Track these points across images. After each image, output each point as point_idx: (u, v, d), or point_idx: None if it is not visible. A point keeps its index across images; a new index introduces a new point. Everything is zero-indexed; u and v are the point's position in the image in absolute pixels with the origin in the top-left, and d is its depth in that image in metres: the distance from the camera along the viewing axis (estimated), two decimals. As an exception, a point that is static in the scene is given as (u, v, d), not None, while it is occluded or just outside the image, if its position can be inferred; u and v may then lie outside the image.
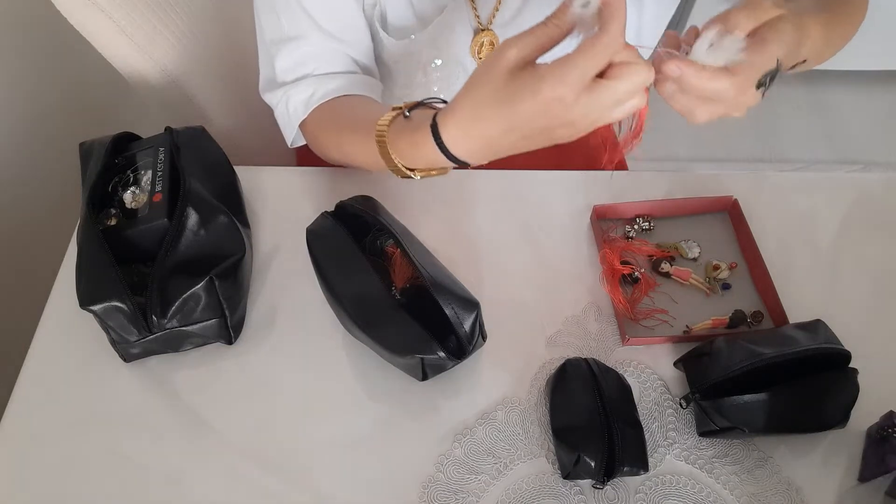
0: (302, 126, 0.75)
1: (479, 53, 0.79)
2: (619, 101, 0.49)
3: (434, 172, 0.61)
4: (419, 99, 0.84)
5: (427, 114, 0.56)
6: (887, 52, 1.89)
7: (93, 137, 0.75)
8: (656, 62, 0.51)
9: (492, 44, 0.78)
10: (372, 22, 0.77)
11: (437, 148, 0.55)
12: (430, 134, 0.54)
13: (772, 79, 0.52)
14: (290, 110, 0.74)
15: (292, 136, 0.77)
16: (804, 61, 0.57)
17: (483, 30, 0.77)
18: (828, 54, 0.67)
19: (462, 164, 0.57)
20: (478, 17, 0.76)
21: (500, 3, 0.75)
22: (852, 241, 0.77)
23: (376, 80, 0.80)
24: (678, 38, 0.53)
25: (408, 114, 0.59)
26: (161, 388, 0.66)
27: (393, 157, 0.59)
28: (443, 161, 0.56)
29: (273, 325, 0.70)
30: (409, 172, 0.60)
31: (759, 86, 0.51)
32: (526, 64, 0.50)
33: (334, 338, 0.69)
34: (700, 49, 0.50)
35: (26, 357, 0.68)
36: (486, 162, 0.57)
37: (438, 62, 0.80)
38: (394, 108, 0.60)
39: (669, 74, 0.49)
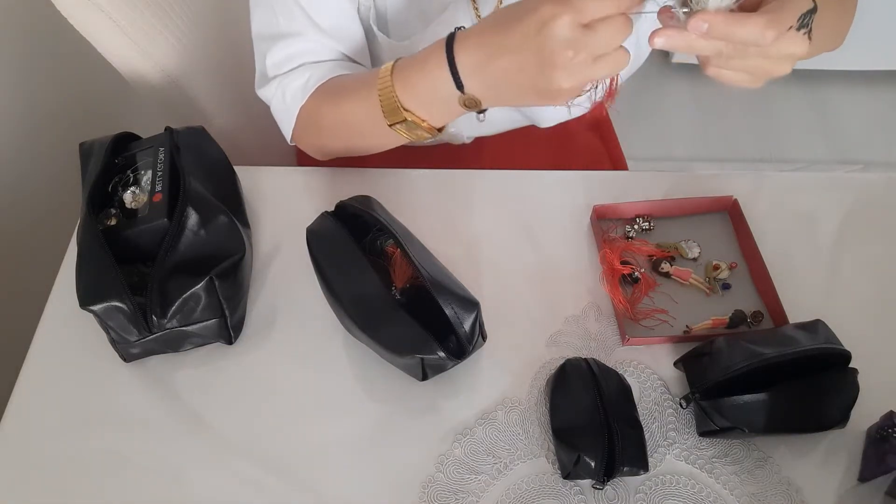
0: (300, 112, 0.75)
1: None
2: (607, 47, 0.51)
3: (424, 125, 0.63)
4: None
5: (434, 45, 0.59)
6: (887, 52, 1.89)
7: (93, 137, 0.75)
8: (663, 18, 0.51)
9: None
10: (368, 25, 0.77)
11: (446, 64, 0.57)
12: (444, 46, 0.58)
13: (811, 16, 0.50)
14: (288, 98, 0.74)
15: (291, 128, 0.77)
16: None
17: None
18: (827, 44, 0.67)
19: (465, 96, 0.59)
20: (479, 16, 0.76)
21: (500, 3, 0.75)
22: (852, 241, 0.77)
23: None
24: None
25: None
26: (161, 388, 0.66)
27: (399, 97, 0.62)
28: (448, 86, 0.58)
29: (273, 325, 0.70)
30: (404, 114, 0.62)
31: (800, 27, 0.50)
32: None
33: (334, 338, 0.69)
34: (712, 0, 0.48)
35: (26, 357, 0.68)
36: (485, 99, 0.59)
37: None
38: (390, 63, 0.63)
39: (696, 30, 0.48)
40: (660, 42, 0.50)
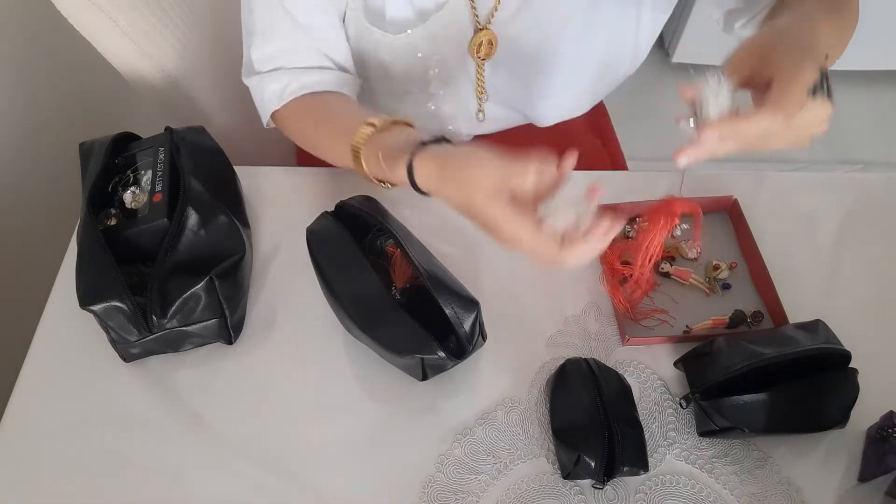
0: (274, 115, 0.76)
1: (477, 52, 0.79)
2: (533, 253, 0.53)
3: (392, 186, 0.65)
4: (417, 94, 0.84)
5: (407, 143, 0.60)
6: (887, 52, 1.89)
7: (93, 137, 0.75)
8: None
9: (490, 42, 0.78)
10: (362, 25, 0.77)
11: (406, 174, 0.59)
12: (405, 166, 0.59)
13: (827, 82, 0.52)
14: (265, 99, 0.75)
15: (265, 121, 0.78)
16: (827, 56, 0.57)
17: (482, 29, 0.77)
18: (835, 57, 0.67)
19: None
20: (477, 15, 0.76)
21: (499, 3, 0.75)
22: (852, 241, 0.77)
23: (352, 76, 0.80)
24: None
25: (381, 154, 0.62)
26: (161, 388, 0.66)
27: (365, 167, 0.63)
28: (408, 185, 0.60)
29: (273, 325, 0.70)
30: (378, 184, 0.64)
31: (815, 93, 0.51)
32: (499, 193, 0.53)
33: (334, 338, 0.69)
34: (711, 108, 0.51)
35: (26, 357, 0.68)
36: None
37: (438, 59, 0.80)
38: (368, 123, 0.63)
39: (710, 142, 0.50)
40: (684, 162, 0.51)
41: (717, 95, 0.50)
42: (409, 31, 0.77)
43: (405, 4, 0.76)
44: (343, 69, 0.79)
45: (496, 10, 0.76)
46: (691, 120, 0.52)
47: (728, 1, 0.76)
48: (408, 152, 0.58)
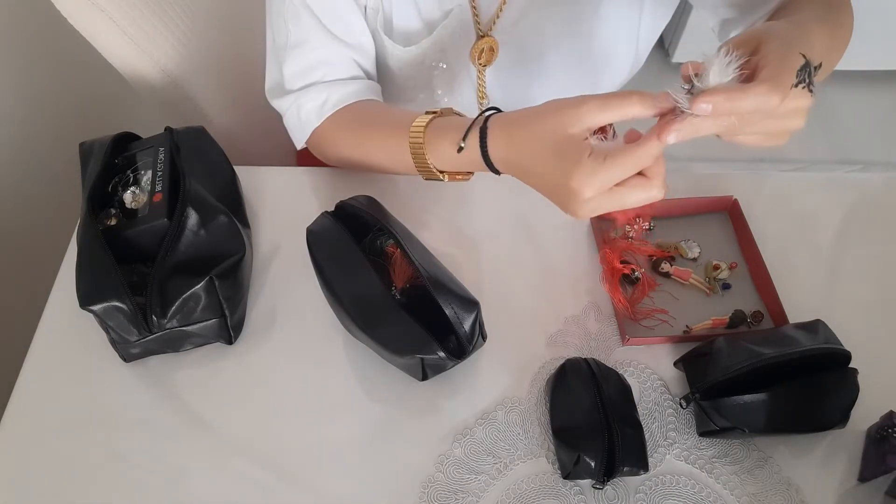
0: (314, 132, 0.75)
1: (479, 59, 0.79)
2: (623, 206, 0.53)
3: (459, 177, 0.66)
4: (422, 100, 0.84)
5: (474, 118, 0.61)
6: (887, 52, 1.90)
7: (93, 137, 0.75)
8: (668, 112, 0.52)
9: (492, 49, 0.78)
10: (375, 29, 0.77)
11: (478, 145, 0.59)
12: (479, 131, 0.59)
13: (809, 75, 0.52)
14: (303, 117, 0.74)
15: (303, 142, 0.78)
16: (820, 65, 0.57)
17: (483, 35, 0.77)
18: (827, 68, 0.68)
19: (492, 168, 0.61)
20: (479, 23, 0.76)
21: (500, 10, 0.75)
22: (852, 241, 0.77)
23: (377, 84, 0.80)
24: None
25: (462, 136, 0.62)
26: (161, 388, 0.66)
27: (427, 156, 0.64)
28: (476, 161, 0.60)
29: (273, 325, 0.70)
30: (439, 174, 0.65)
31: (799, 83, 0.51)
32: (586, 130, 0.53)
33: (334, 338, 0.69)
34: (712, 76, 0.49)
35: (26, 357, 0.68)
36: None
37: (444, 66, 0.80)
38: (428, 112, 0.65)
39: (702, 112, 0.49)
40: (672, 139, 0.50)
41: (725, 67, 0.49)
42: (419, 42, 0.77)
43: (413, 16, 0.76)
44: (371, 77, 0.79)
45: (498, 17, 0.76)
46: (685, 89, 0.50)
47: (723, 10, 0.76)
48: (479, 122, 0.60)
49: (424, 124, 0.64)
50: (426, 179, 0.68)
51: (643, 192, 0.53)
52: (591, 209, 0.54)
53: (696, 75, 0.49)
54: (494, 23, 0.76)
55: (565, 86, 0.85)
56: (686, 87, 0.50)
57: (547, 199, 0.58)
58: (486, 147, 0.59)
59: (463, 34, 0.77)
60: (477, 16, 0.75)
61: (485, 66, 0.80)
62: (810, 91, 0.52)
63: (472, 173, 0.67)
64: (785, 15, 0.66)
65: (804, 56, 0.51)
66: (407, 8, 0.75)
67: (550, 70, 0.83)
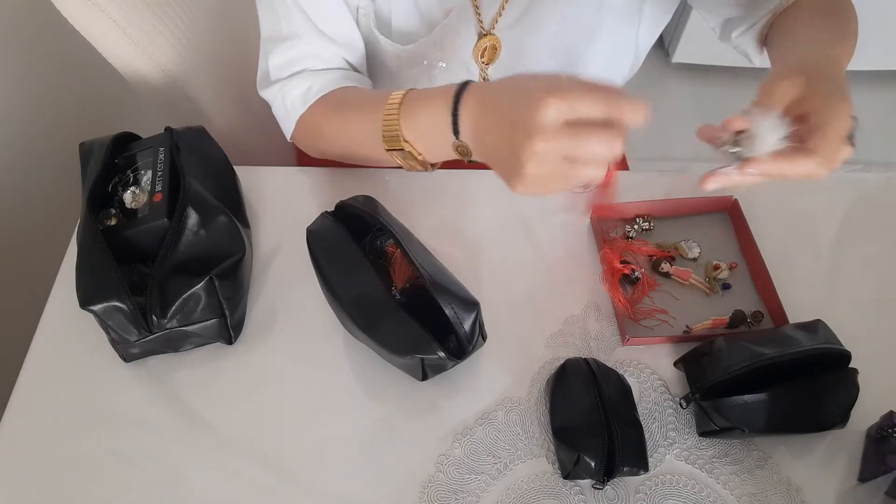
0: (300, 120, 0.75)
1: (481, 57, 0.79)
2: (584, 155, 0.49)
3: (420, 157, 0.64)
4: None
5: (449, 85, 0.60)
6: (887, 52, 1.89)
7: (93, 137, 0.75)
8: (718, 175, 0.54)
9: (494, 48, 0.78)
10: (369, 28, 0.77)
11: (450, 109, 0.58)
12: (454, 93, 0.58)
13: (853, 130, 0.53)
14: (288, 105, 0.75)
15: (290, 131, 0.78)
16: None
17: (486, 34, 0.77)
18: None
19: (458, 142, 0.59)
20: (481, 21, 0.76)
21: (502, 9, 0.75)
22: (852, 241, 0.77)
23: (367, 79, 0.80)
24: (711, 130, 0.55)
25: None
26: (161, 388, 0.66)
27: (399, 122, 0.63)
28: (446, 128, 0.58)
29: (273, 325, 0.70)
30: (402, 143, 0.63)
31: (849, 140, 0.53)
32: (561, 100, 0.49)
33: (334, 338, 0.69)
34: (758, 144, 0.51)
35: (26, 357, 0.68)
36: (474, 152, 0.60)
37: (443, 65, 0.80)
38: (400, 91, 0.64)
39: (749, 175, 0.51)
40: (713, 187, 0.53)
41: (771, 135, 0.51)
42: (418, 41, 0.77)
43: (412, 14, 0.76)
44: (360, 73, 0.79)
45: (500, 15, 0.76)
46: (730, 147, 0.52)
47: (725, 10, 0.76)
48: (451, 90, 0.58)
49: (399, 99, 0.63)
50: (401, 165, 0.67)
51: (605, 141, 0.48)
52: (541, 157, 0.49)
53: (740, 134, 0.51)
54: (496, 21, 0.76)
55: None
56: (727, 147, 0.52)
57: (495, 161, 0.55)
58: (458, 101, 0.57)
59: (463, 34, 0.77)
60: (479, 14, 0.75)
61: (487, 64, 0.80)
62: (852, 145, 0.53)
63: (433, 166, 0.66)
64: (792, 25, 0.66)
65: (853, 117, 0.52)
66: (407, 7, 0.75)
67: (552, 70, 0.83)
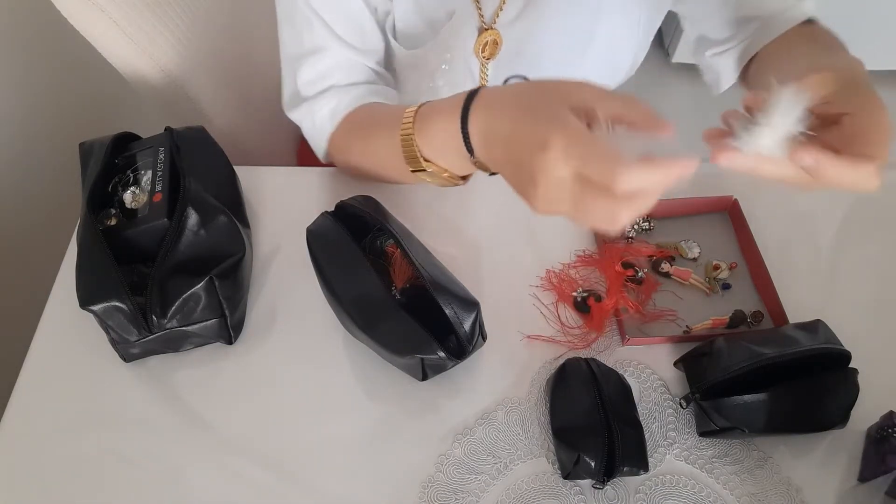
0: (330, 139, 0.75)
1: (482, 52, 0.79)
2: (589, 214, 0.46)
3: (445, 175, 0.62)
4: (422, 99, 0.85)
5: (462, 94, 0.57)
6: (887, 52, 1.89)
7: (93, 137, 0.75)
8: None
9: (495, 42, 0.78)
10: (385, 31, 0.77)
11: (459, 126, 0.55)
12: (462, 105, 0.55)
13: None
14: (317, 124, 0.74)
15: (323, 151, 0.77)
16: None
17: (487, 29, 0.77)
18: None
19: (475, 159, 0.57)
20: (482, 16, 0.76)
21: (504, 3, 0.75)
22: (852, 241, 0.77)
23: (392, 88, 0.80)
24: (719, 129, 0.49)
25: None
26: (161, 388, 0.66)
27: (415, 140, 0.60)
28: (461, 144, 0.56)
29: (273, 325, 0.70)
30: (424, 164, 0.61)
31: None
32: (577, 111, 0.47)
33: (334, 338, 0.69)
34: (777, 116, 0.44)
35: (26, 357, 0.68)
36: (492, 168, 0.58)
37: (446, 67, 0.80)
38: (418, 104, 0.62)
39: (801, 162, 0.45)
40: (725, 162, 0.46)
41: (791, 109, 0.44)
42: (424, 45, 0.77)
43: (415, 19, 0.76)
44: (384, 79, 0.79)
45: (500, 10, 0.76)
46: (744, 124, 0.45)
47: (701, 24, 0.76)
48: (459, 101, 0.56)
49: (413, 114, 0.61)
50: (434, 184, 0.65)
51: (605, 217, 0.45)
52: (547, 200, 0.47)
53: (751, 111, 0.44)
54: (498, 16, 0.76)
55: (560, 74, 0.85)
56: (741, 129, 0.45)
57: (515, 184, 0.52)
58: (466, 116, 0.55)
59: (465, 31, 0.77)
60: (480, 8, 0.75)
61: (488, 59, 0.80)
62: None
63: (464, 178, 0.64)
64: (784, 54, 0.66)
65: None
66: (408, 11, 0.75)
67: (553, 66, 0.83)
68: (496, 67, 0.82)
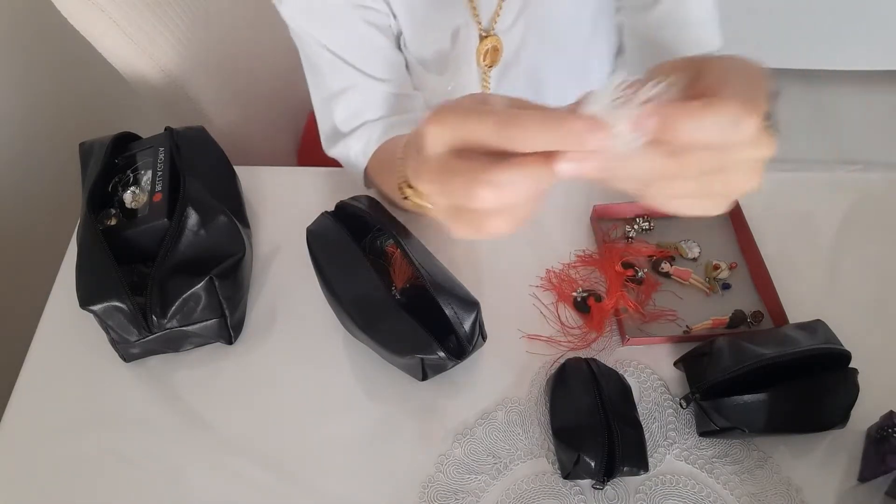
0: (366, 172, 0.75)
1: (484, 60, 0.79)
2: (446, 184, 0.37)
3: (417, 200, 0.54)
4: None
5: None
6: (887, 52, 1.89)
7: (93, 137, 0.75)
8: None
9: (496, 49, 0.78)
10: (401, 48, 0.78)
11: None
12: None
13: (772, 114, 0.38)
14: (352, 160, 0.75)
15: (363, 183, 0.77)
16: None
17: (487, 35, 0.77)
18: None
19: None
20: (479, 23, 0.76)
21: (500, 9, 0.75)
22: (852, 241, 0.77)
23: (419, 112, 0.78)
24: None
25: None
26: (161, 388, 0.66)
27: (398, 180, 0.54)
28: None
29: (273, 325, 0.70)
30: (408, 191, 0.54)
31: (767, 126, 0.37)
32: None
33: (334, 338, 0.69)
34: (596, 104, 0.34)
35: (26, 357, 0.68)
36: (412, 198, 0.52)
37: (450, 88, 0.81)
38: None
39: (642, 129, 0.34)
40: (566, 168, 0.34)
41: (610, 99, 0.34)
42: (439, 73, 0.77)
43: (423, 43, 0.76)
44: (413, 102, 0.77)
45: (497, 18, 0.76)
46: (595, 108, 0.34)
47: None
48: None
49: (401, 149, 0.54)
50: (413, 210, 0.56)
51: (465, 191, 0.36)
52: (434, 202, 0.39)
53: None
54: (495, 24, 0.76)
55: (571, 88, 0.85)
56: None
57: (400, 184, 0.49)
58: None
59: (468, 45, 0.77)
60: (477, 16, 0.75)
61: (490, 66, 0.80)
62: (774, 130, 0.39)
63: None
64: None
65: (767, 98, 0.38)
66: (416, 36, 0.76)
67: (554, 72, 0.83)
68: (499, 75, 0.82)
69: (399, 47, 0.78)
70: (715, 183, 0.37)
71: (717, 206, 0.39)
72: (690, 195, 0.38)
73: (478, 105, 0.37)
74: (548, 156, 0.34)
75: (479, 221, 0.38)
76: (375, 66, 0.74)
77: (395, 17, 0.74)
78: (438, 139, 0.37)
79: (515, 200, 0.36)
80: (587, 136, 0.33)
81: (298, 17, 0.71)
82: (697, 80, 0.37)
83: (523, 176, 0.35)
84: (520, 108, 0.36)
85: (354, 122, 0.74)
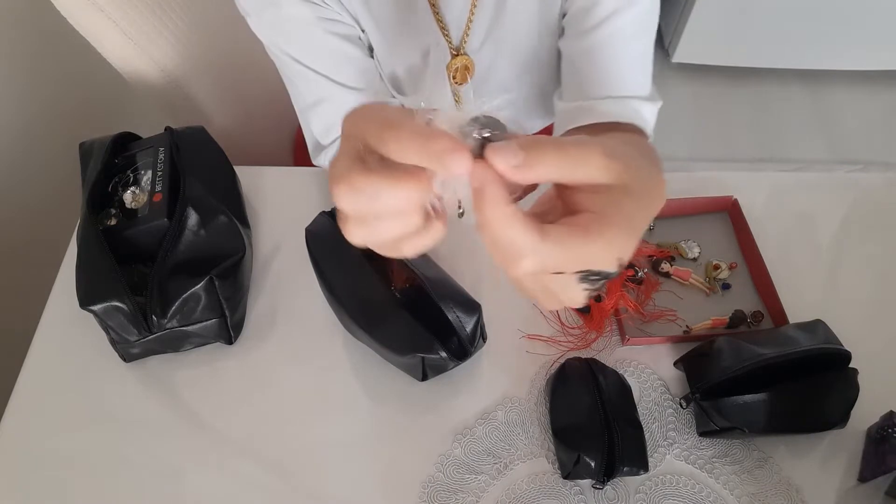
0: None
1: (454, 78, 0.79)
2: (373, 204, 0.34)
3: None
4: None
5: None
6: (887, 52, 1.89)
7: (93, 137, 0.75)
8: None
9: (466, 68, 0.78)
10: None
11: None
12: None
13: (601, 277, 0.35)
14: None
15: None
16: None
17: (457, 55, 0.77)
18: None
19: None
20: (450, 42, 0.76)
21: (468, 29, 0.75)
22: (852, 241, 0.77)
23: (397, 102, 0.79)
24: None
25: None
26: (161, 388, 0.66)
27: None
28: None
29: (273, 325, 0.70)
30: None
31: (583, 278, 0.35)
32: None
33: (334, 338, 0.69)
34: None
35: (26, 357, 0.68)
36: None
37: (423, 103, 0.80)
38: None
39: (513, 163, 0.31)
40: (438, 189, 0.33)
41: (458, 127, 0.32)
42: (406, 96, 0.77)
43: (394, 62, 0.76)
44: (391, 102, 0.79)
45: (466, 38, 0.76)
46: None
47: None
48: None
49: None
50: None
51: (334, 183, 0.34)
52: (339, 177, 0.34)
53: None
54: (465, 42, 0.76)
55: (545, 105, 0.86)
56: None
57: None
58: None
59: (440, 65, 0.78)
60: (447, 35, 0.75)
61: (460, 84, 0.80)
62: (592, 288, 0.36)
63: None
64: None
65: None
66: (387, 54, 0.76)
67: (526, 89, 0.83)
68: (470, 92, 0.82)
69: (372, 57, 0.78)
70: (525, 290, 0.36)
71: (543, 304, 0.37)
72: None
73: (378, 111, 0.35)
74: (420, 171, 0.32)
75: (366, 225, 0.35)
76: (348, 75, 0.73)
77: (363, 31, 0.74)
78: (345, 142, 0.36)
79: (380, 209, 0.34)
80: (447, 159, 0.30)
81: (267, 31, 0.71)
82: (593, 181, 0.33)
83: (385, 186, 0.33)
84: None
85: (332, 134, 0.74)
